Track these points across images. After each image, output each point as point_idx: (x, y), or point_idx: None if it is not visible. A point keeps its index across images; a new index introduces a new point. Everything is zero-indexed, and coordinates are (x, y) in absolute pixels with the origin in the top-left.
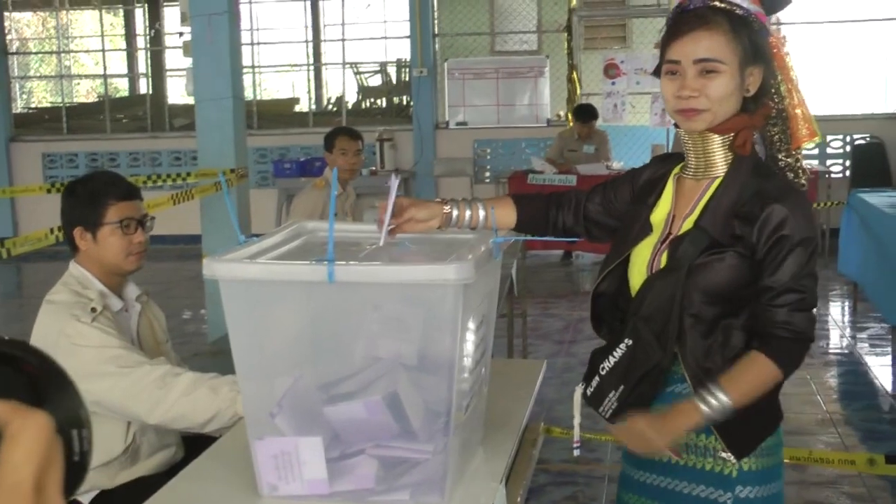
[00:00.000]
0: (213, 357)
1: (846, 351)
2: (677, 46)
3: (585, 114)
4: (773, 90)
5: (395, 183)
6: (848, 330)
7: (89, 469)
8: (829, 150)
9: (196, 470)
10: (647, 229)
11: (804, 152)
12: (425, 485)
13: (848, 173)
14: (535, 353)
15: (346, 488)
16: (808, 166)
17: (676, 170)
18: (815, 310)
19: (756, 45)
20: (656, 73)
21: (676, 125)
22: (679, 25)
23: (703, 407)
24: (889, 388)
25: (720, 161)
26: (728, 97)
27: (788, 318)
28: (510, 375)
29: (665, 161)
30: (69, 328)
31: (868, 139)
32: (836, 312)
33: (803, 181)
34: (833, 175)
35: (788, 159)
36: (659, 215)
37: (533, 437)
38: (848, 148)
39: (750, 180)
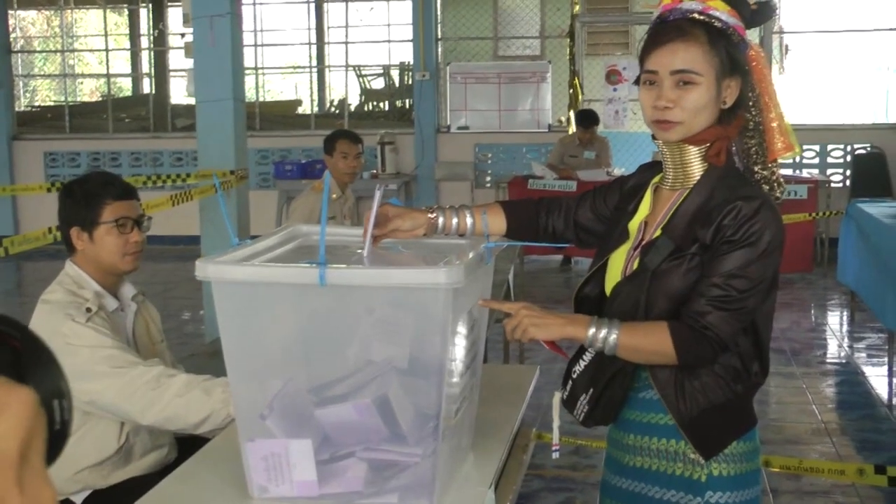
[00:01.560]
0: (211, 358)
1: (843, 360)
2: (655, 57)
3: (587, 119)
4: (750, 102)
5: (378, 194)
6: (845, 340)
7: (69, 437)
8: (829, 160)
9: (187, 471)
10: (623, 236)
11: (804, 161)
12: (414, 488)
13: (848, 183)
14: (532, 359)
15: (336, 491)
16: (808, 175)
17: (656, 179)
18: (739, 316)
19: (733, 58)
20: (637, 82)
21: (653, 136)
22: (658, 36)
23: (593, 328)
24: (885, 398)
25: (696, 171)
26: (703, 109)
27: (703, 309)
28: (503, 380)
29: (650, 169)
30: (64, 327)
31: (869, 149)
32: (834, 322)
33: (778, 194)
34: (833, 184)
35: (764, 172)
36: (635, 223)
37: (524, 443)
38: (849, 157)
39: (719, 188)
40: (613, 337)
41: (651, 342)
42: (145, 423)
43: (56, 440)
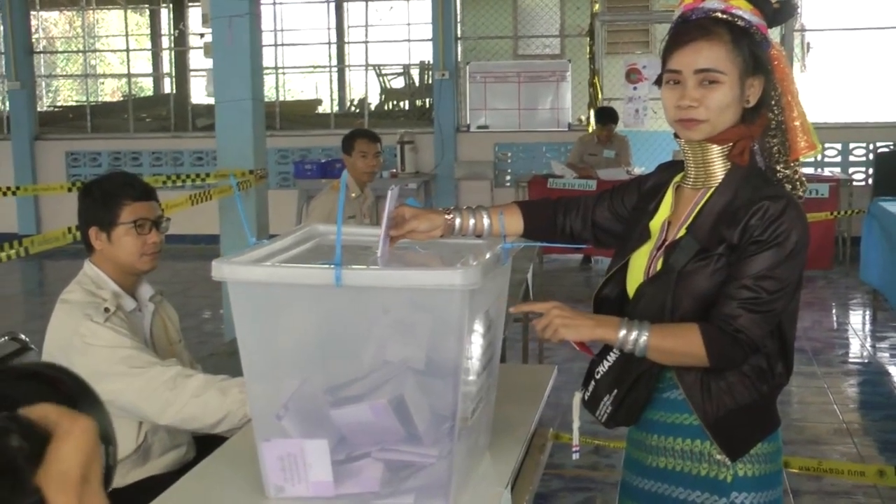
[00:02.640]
0: (230, 357)
1: (866, 360)
2: (678, 56)
3: (605, 116)
4: (773, 101)
5: (391, 194)
6: (868, 339)
7: (112, 482)
8: (851, 158)
9: (204, 470)
10: (645, 236)
11: (826, 160)
12: (430, 489)
13: (870, 181)
14: (551, 358)
15: (352, 491)
16: (830, 173)
17: (677, 178)
18: (769, 317)
19: (756, 57)
20: (658, 82)
21: (676, 135)
22: (681, 35)
23: (623, 330)
24: None
25: (718, 171)
26: (727, 108)
27: (734, 313)
28: (521, 380)
29: (669, 168)
30: (82, 328)
31: (892, 147)
32: (857, 321)
33: (801, 193)
34: (856, 183)
35: (787, 171)
36: (657, 222)
37: (542, 443)
38: (871, 156)
39: (744, 188)
40: (644, 339)
41: (682, 344)
42: (163, 424)
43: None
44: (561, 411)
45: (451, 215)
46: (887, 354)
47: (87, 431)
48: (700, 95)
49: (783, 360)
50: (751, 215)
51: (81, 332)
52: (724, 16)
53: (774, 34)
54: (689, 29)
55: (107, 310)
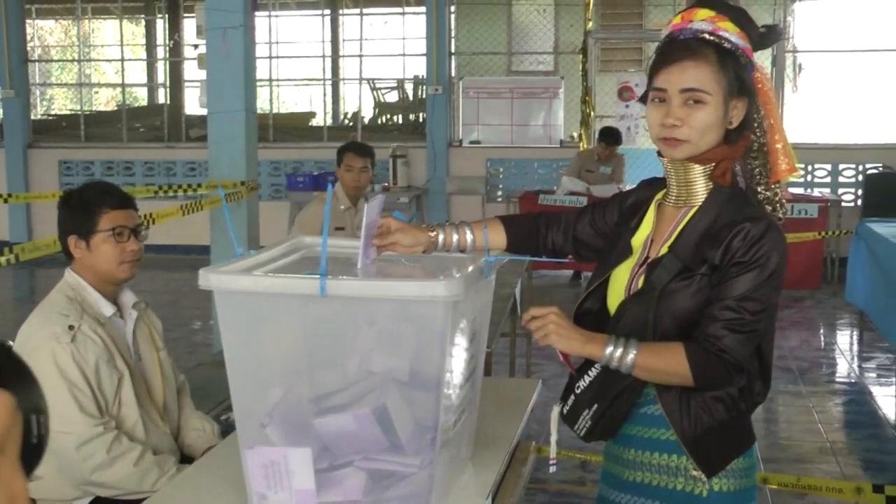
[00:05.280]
0: (217, 367)
1: (851, 380)
2: (665, 75)
3: (610, 136)
4: (755, 124)
5: (371, 206)
6: (854, 359)
7: (45, 450)
8: (841, 179)
9: (188, 478)
10: (626, 252)
11: (816, 180)
12: (411, 498)
13: (860, 202)
14: (538, 373)
15: (334, 499)
16: (820, 194)
17: (659, 195)
18: (752, 338)
19: (741, 79)
20: (643, 99)
21: (659, 153)
22: (668, 54)
23: (610, 347)
24: (892, 418)
25: (700, 190)
26: (710, 128)
27: (718, 333)
28: (505, 393)
29: (651, 186)
30: (50, 345)
31: (881, 169)
32: (843, 341)
33: (780, 215)
34: (845, 204)
35: (767, 193)
36: (639, 239)
37: (524, 456)
38: (860, 177)
39: (726, 209)
40: (631, 357)
41: (668, 364)
42: (83, 475)
43: (34, 453)
44: (546, 426)
45: (434, 231)
46: (873, 374)
47: (2, 405)
48: (684, 115)
49: (762, 379)
50: (733, 236)
51: (47, 350)
52: (712, 37)
53: (766, 56)
54: (676, 48)
55: (71, 327)
